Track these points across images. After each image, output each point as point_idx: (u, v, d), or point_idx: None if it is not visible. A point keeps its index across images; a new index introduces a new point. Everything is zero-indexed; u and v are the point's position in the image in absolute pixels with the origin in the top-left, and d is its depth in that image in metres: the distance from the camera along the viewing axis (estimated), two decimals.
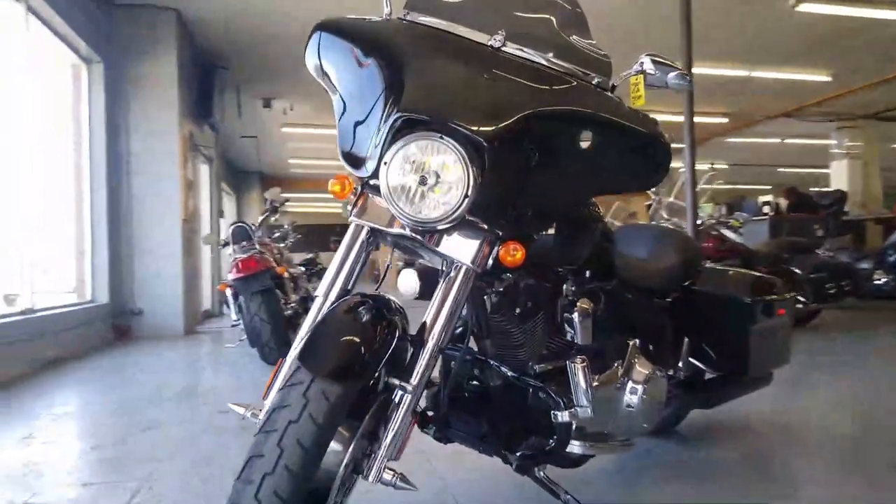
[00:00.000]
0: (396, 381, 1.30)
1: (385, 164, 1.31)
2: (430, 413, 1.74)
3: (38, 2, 5.01)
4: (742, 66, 9.19)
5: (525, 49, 1.46)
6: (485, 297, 1.63)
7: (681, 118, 4.88)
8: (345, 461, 1.25)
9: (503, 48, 1.45)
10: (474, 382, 1.77)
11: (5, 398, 3.69)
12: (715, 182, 5.69)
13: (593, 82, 1.50)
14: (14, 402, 3.61)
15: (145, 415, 3.23)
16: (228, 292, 4.66)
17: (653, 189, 7.05)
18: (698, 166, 5.06)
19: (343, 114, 1.50)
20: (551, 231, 1.66)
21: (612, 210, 4.84)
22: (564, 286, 1.74)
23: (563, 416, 1.58)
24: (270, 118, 10.63)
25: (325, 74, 1.53)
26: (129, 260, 6.58)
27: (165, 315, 6.63)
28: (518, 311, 1.65)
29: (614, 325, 1.96)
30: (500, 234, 1.39)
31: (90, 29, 6.02)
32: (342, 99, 1.51)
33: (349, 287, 1.47)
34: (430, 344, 1.33)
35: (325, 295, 1.44)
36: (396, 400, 1.32)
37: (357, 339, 1.23)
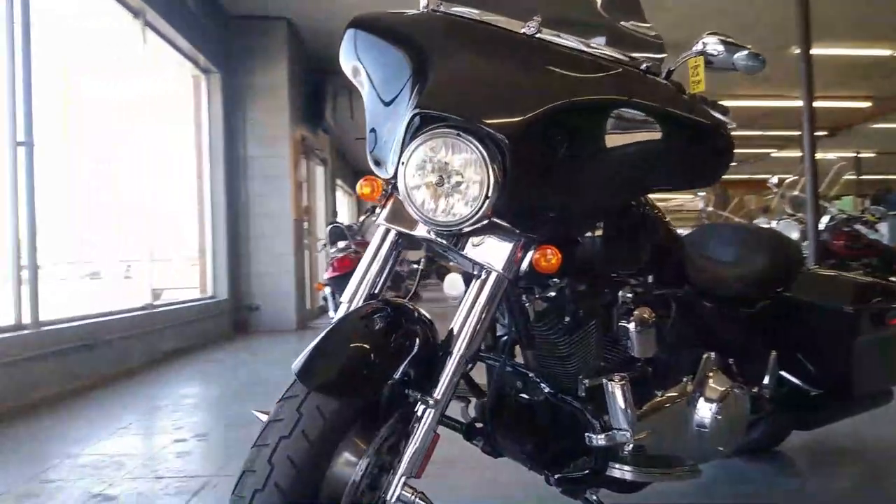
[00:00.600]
0: (417, 394, 1.22)
1: (403, 164, 1.25)
2: (478, 424, 1.66)
3: (155, 17, 5.37)
4: (888, 44, 8.30)
5: (562, 35, 1.35)
6: (526, 304, 1.52)
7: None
8: (354, 477, 1.19)
9: (538, 35, 1.33)
10: (522, 395, 1.66)
11: (118, 388, 3.97)
12: (846, 173, 5.13)
13: (641, 67, 1.36)
14: (125, 391, 3.89)
15: (235, 409, 3.35)
16: (327, 290, 4.79)
17: (773, 181, 6.51)
18: (835, 154, 4.57)
19: (371, 112, 1.45)
20: (600, 233, 1.52)
21: (731, 206, 4.49)
22: (620, 293, 1.59)
23: (598, 440, 1.44)
24: None
25: (358, 73, 1.49)
26: (247, 258, 6.94)
27: (279, 310, 6.93)
28: (567, 319, 1.52)
29: (686, 336, 1.79)
30: (534, 237, 1.28)
31: (207, 41, 6.39)
32: (370, 97, 1.46)
33: (375, 293, 1.41)
34: (455, 355, 1.24)
35: (349, 301, 1.39)
36: (419, 413, 1.24)
37: (362, 351, 1.17)
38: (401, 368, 1.20)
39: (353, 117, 9.75)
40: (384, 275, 1.41)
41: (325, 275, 4.63)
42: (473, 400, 1.67)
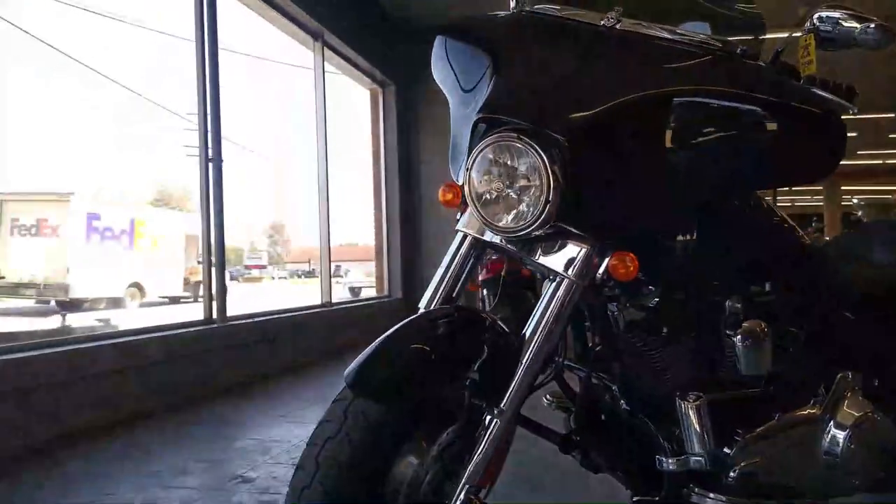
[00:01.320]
0: (481, 403, 1.21)
1: (467, 170, 1.25)
2: (575, 437, 1.60)
3: (332, 38, 5.80)
4: None
5: (643, 23, 1.26)
6: (612, 313, 1.44)
7: None
8: (415, 480, 1.21)
9: (618, 26, 1.26)
10: (613, 409, 1.58)
11: (291, 379, 4.33)
12: None
13: (737, 51, 1.24)
14: (297, 382, 4.24)
15: None
16: (484, 291, 4.84)
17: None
18: None
19: (453, 119, 1.47)
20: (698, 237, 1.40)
21: None
22: (728, 303, 1.45)
23: (668, 464, 1.31)
24: None
25: (446, 81, 1.51)
26: (420, 260, 7.25)
27: None
28: (665, 330, 1.42)
29: (816, 353, 1.58)
30: (610, 242, 1.22)
31: (383, 56, 6.78)
32: (454, 103, 1.47)
33: (453, 298, 1.41)
34: (523, 364, 1.21)
35: (426, 306, 1.41)
36: (486, 422, 1.23)
37: (411, 356, 1.17)
38: (468, 375, 1.18)
39: None
40: (461, 280, 1.41)
41: (480, 277, 4.69)
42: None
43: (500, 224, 1.19)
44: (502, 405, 1.17)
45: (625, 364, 1.43)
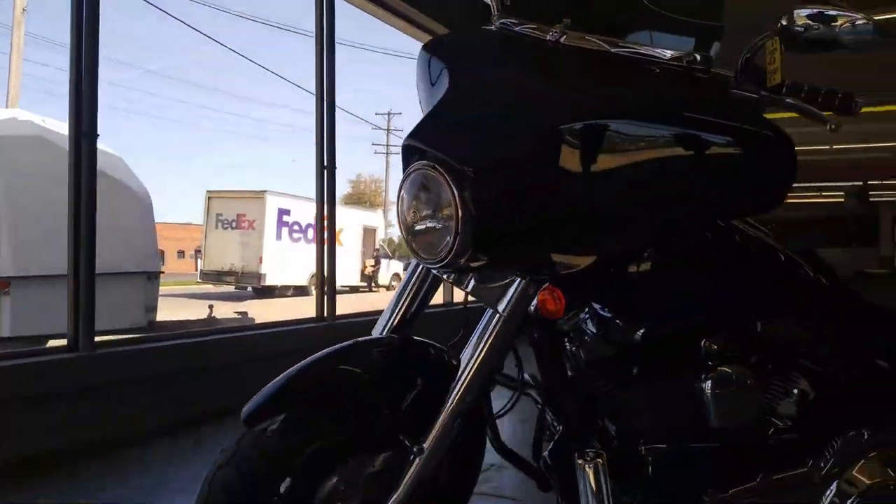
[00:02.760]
0: (406, 440, 1.21)
1: (398, 199, 1.25)
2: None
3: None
4: None
5: (588, 36, 1.18)
6: (571, 349, 1.36)
7: None
8: None
9: (562, 40, 1.19)
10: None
11: None
12: None
13: (684, 63, 1.12)
14: None
15: None
16: None
17: None
18: None
19: None
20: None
21: None
22: (704, 344, 1.30)
23: None
24: None
25: (420, 101, 1.51)
26: None
27: None
28: (629, 371, 1.31)
29: (819, 406, 1.38)
30: (540, 275, 1.16)
31: None
32: None
33: (404, 326, 1.41)
34: (450, 401, 1.19)
35: (380, 334, 1.42)
36: (411, 458, 1.22)
37: (328, 389, 1.17)
38: (399, 407, 1.18)
39: None
40: (413, 309, 1.40)
41: None
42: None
43: (422, 255, 1.18)
44: (425, 443, 1.16)
45: (580, 404, 1.35)
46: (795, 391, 1.34)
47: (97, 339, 3.13)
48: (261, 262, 17.25)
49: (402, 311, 1.37)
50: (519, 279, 1.16)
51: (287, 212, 18.12)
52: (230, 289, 17.82)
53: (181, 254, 38.34)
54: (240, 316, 9.32)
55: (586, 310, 1.34)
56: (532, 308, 1.17)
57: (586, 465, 1.14)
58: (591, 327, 1.33)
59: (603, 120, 1.09)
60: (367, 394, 1.19)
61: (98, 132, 3.01)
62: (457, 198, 1.06)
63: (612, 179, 1.10)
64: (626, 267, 1.22)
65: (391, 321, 1.37)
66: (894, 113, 10.41)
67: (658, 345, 1.29)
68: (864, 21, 1.07)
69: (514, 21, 1.26)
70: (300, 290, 17.50)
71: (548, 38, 1.19)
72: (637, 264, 1.22)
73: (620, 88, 1.13)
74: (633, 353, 1.28)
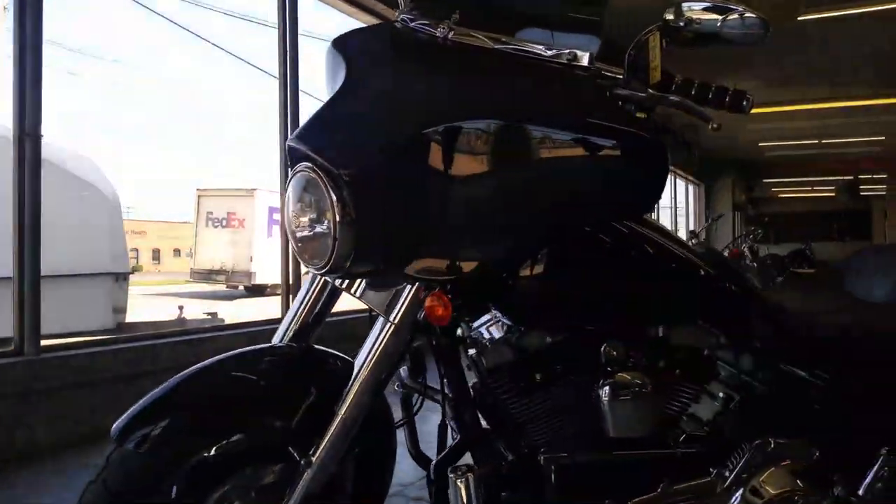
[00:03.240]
0: (295, 452, 1.16)
1: (284, 201, 1.21)
2: None
3: None
4: None
5: (474, 32, 1.14)
6: (472, 356, 1.31)
7: None
8: None
9: (450, 36, 1.15)
10: None
11: None
12: None
13: (565, 60, 1.08)
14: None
15: None
16: None
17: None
18: None
19: None
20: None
21: None
22: (605, 348, 1.25)
23: None
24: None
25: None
26: None
27: None
28: (537, 377, 1.26)
29: (734, 415, 1.34)
30: (427, 281, 1.12)
31: None
32: None
33: (304, 334, 1.36)
34: (340, 412, 1.15)
35: (279, 343, 1.37)
36: (301, 472, 1.17)
37: (214, 397, 1.13)
38: (290, 418, 1.12)
39: None
40: (313, 316, 1.36)
41: None
42: None
43: (308, 260, 1.13)
44: (313, 456, 1.12)
45: (495, 412, 1.30)
46: (700, 399, 1.30)
47: (56, 342, 3.08)
48: (251, 260, 17.19)
49: (302, 318, 1.33)
50: (408, 285, 1.12)
51: (278, 209, 18.04)
52: (222, 288, 17.78)
53: (177, 252, 38.34)
54: (209, 316, 9.28)
55: (489, 316, 1.30)
56: (421, 315, 1.13)
57: (457, 480, 1.09)
58: (492, 333, 1.28)
59: (479, 121, 1.06)
60: (257, 403, 1.15)
61: (42, 132, 2.96)
62: (334, 202, 1.03)
63: (488, 182, 1.07)
64: (521, 271, 1.18)
65: (290, 328, 1.33)
66: (883, 106, 10.41)
67: (559, 351, 1.25)
68: (752, 16, 1.04)
69: (411, 16, 1.22)
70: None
71: (437, 34, 1.14)
72: (532, 268, 1.18)
73: (499, 88, 1.08)
74: (533, 359, 1.24)
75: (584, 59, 1.11)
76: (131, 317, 5.16)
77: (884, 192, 16.08)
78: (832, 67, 8.68)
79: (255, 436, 1.14)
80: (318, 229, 1.08)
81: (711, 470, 1.25)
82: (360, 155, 1.04)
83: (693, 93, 1.16)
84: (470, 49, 1.12)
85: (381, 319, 1.15)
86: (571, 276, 1.18)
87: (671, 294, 1.24)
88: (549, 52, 1.10)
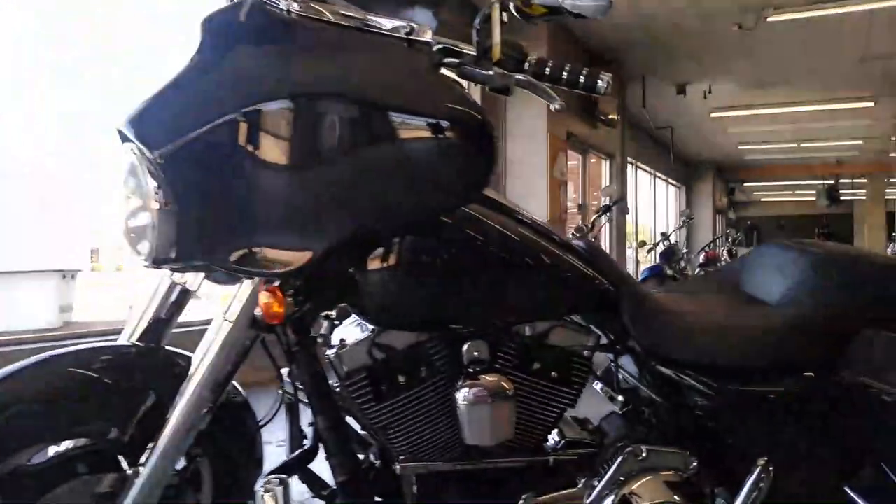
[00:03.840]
0: (126, 460, 1.07)
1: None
2: None
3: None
4: None
5: (316, 5, 1.06)
6: (328, 358, 1.22)
7: None
8: None
9: (292, 10, 1.06)
10: None
11: None
12: None
13: (402, 34, 1.01)
14: None
15: None
16: None
17: None
18: None
19: None
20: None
21: None
22: (465, 349, 1.16)
23: None
24: (690, 105, 9.88)
25: None
26: None
27: None
28: (399, 380, 1.18)
29: (599, 421, 1.27)
30: (262, 275, 1.04)
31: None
32: None
33: (153, 333, 1.27)
34: (173, 419, 1.06)
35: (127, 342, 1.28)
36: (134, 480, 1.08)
37: (24, 402, 1.03)
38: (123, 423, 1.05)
39: (645, 105, 9.13)
40: (164, 314, 1.27)
41: None
42: None
43: (137, 251, 1.05)
44: (143, 464, 1.03)
45: (359, 418, 1.21)
46: (571, 403, 1.22)
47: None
48: None
49: (152, 316, 1.24)
50: (245, 280, 1.05)
51: None
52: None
53: None
54: None
55: (353, 317, 1.23)
56: (259, 312, 1.06)
57: (265, 494, 1.00)
58: (350, 334, 1.20)
59: (300, 101, 0.98)
60: (85, 405, 1.07)
61: None
62: (153, 188, 0.96)
63: (307, 167, 0.98)
64: (371, 265, 1.09)
65: (137, 327, 1.24)
66: (861, 110, 10.41)
67: (418, 352, 1.16)
68: None
69: None
70: None
71: (281, 6, 1.06)
72: (381, 262, 1.09)
73: (329, 64, 1.00)
74: (391, 361, 1.15)
75: (427, 34, 1.02)
76: (85, 315, 5.04)
77: (864, 197, 16.11)
78: (807, 69, 8.66)
79: (82, 441, 1.06)
80: (142, 218, 0.99)
81: (579, 480, 1.17)
82: (178, 137, 0.96)
83: (547, 73, 1.08)
84: (310, 23, 1.04)
85: (217, 316, 1.07)
86: (422, 271, 1.10)
87: (536, 289, 1.15)
88: (389, 26, 1.02)
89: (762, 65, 8.47)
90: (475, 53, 1.05)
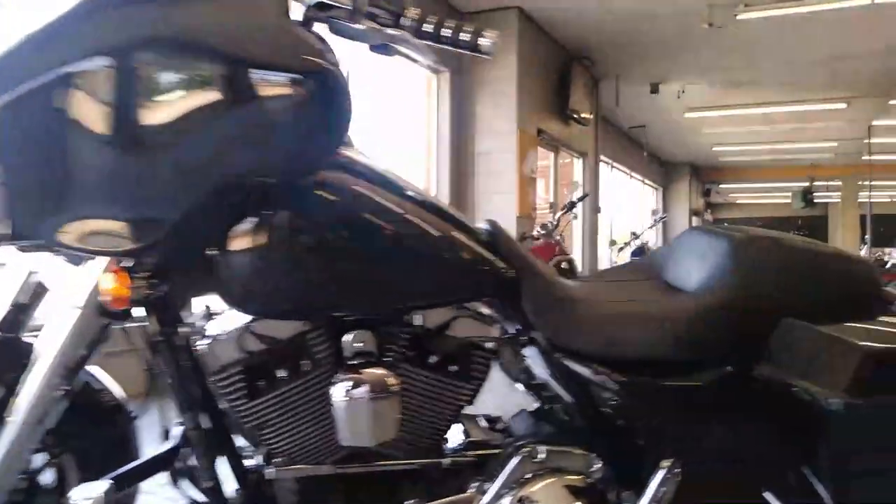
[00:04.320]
0: None
1: None
2: None
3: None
4: None
5: None
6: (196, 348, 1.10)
7: None
8: None
9: None
10: None
11: None
12: None
13: None
14: None
15: None
16: None
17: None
18: None
19: None
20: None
21: None
22: (346, 340, 1.05)
23: None
24: (664, 104, 9.84)
25: None
26: None
27: None
28: (278, 375, 1.07)
29: (493, 421, 1.17)
30: (106, 254, 0.94)
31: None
32: None
33: (12, 323, 1.16)
34: (15, 421, 0.95)
35: None
36: None
37: None
38: None
39: (619, 104, 9.07)
40: (20, 301, 1.16)
41: None
42: None
43: None
44: None
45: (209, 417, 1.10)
46: (467, 399, 1.11)
47: None
48: None
49: (10, 305, 1.14)
50: (88, 261, 0.95)
51: None
52: None
53: None
54: None
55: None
56: (104, 298, 0.95)
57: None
58: (221, 324, 1.09)
59: (122, 54, 0.86)
60: None
61: None
62: None
63: (143, 130, 0.87)
64: (230, 245, 0.98)
65: None
66: (834, 111, 10.45)
67: (295, 344, 1.05)
68: None
69: None
70: None
71: None
72: (243, 242, 0.98)
73: (167, 12, 0.88)
74: (264, 354, 1.05)
75: None
76: None
77: (838, 200, 16.23)
78: (780, 70, 8.65)
79: None
80: None
81: (470, 484, 1.07)
82: None
83: (426, 29, 0.98)
84: None
85: (62, 301, 0.98)
86: (290, 250, 0.98)
87: (424, 273, 1.05)
88: None
89: (734, 65, 8.44)
90: (350, 7, 0.95)
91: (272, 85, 0.87)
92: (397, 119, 6.44)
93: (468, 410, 1.26)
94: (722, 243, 1.16)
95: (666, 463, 1.03)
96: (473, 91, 6.85)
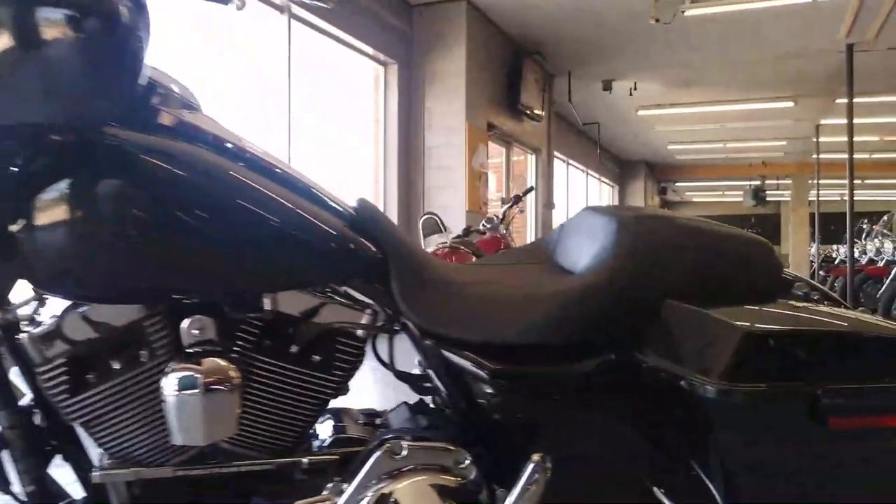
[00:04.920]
0: None
1: None
2: None
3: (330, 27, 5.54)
4: None
5: None
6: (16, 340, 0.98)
7: None
8: None
9: None
10: None
11: None
12: None
13: None
14: None
15: None
16: None
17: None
18: None
19: None
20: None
21: None
22: (186, 327, 0.94)
23: None
24: (617, 102, 9.88)
25: None
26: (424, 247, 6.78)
27: None
28: (108, 367, 0.95)
29: (374, 414, 1.08)
30: None
31: (386, 36, 6.37)
32: None
33: None
34: None
35: None
36: None
37: None
38: None
39: (572, 101, 9.07)
40: None
41: None
42: None
43: None
44: None
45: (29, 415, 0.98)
46: (327, 394, 1.02)
47: None
48: None
49: None
50: None
51: None
52: None
53: None
54: None
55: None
56: None
57: None
58: (42, 312, 0.97)
59: None
60: None
61: None
62: None
63: None
64: (34, 220, 0.86)
65: None
66: (783, 110, 10.61)
67: (128, 332, 0.94)
68: None
69: None
70: None
71: None
72: (46, 214, 0.86)
73: None
74: (93, 343, 0.94)
75: None
76: None
77: (789, 198, 16.56)
78: (729, 68, 8.74)
79: None
80: None
81: (329, 483, 0.97)
82: None
83: None
84: None
85: None
86: (105, 221, 0.86)
87: (273, 251, 0.94)
88: None
89: (684, 62, 8.51)
90: None
91: (47, 24, 0.76)
92: (343, 113, 6.31)
93: (352, 404, 1.18)
94: (610, 222, 1.08)
95: (535, 457, 0.95)
96: (422, 85, 6.76)
